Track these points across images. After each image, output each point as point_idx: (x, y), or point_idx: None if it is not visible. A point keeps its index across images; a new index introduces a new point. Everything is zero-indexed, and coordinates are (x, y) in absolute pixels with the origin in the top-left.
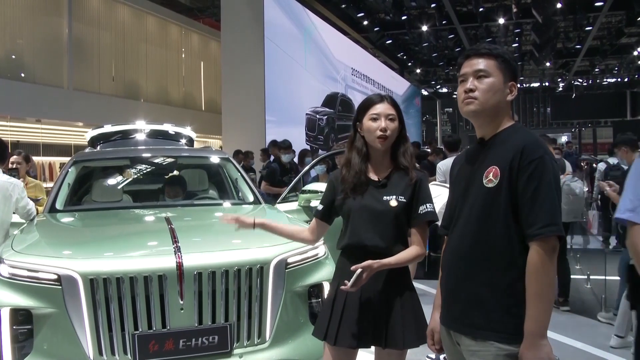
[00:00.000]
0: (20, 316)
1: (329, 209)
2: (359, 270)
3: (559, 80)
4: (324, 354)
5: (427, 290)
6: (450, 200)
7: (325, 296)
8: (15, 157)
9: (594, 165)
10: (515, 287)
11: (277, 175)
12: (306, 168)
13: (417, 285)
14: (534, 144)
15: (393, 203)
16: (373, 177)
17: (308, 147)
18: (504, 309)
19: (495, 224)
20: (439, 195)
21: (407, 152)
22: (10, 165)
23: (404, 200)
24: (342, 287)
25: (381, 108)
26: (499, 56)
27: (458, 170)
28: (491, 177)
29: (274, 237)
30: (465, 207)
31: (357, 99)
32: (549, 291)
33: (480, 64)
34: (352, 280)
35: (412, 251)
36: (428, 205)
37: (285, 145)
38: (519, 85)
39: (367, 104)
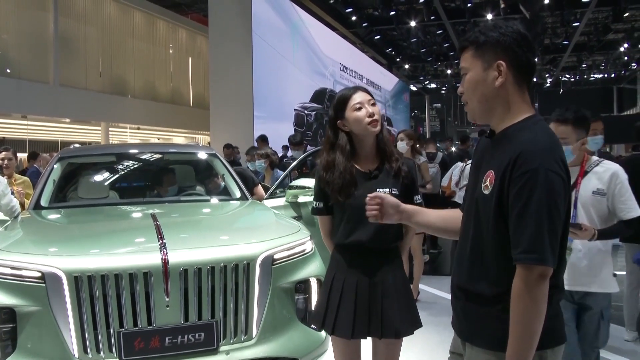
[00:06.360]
0: (4, 314)
1: (328, 203)
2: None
3: (547, 75)
4: (332, 344)
5: (434, 293)
6: (465, 192)
7: (314, 291)
8: (5, 153)
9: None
10: (502, 299)
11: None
12: (294, 164)
13: (422, 287)
14: (532, 150)
15: None
16: (364, 169)
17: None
18: (493, 316)
19: (486, 234)
20: None
21: (388, 140)
22: (0, 162)
23: (397, 192)
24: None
25: (360, 97)
26: (473, 42)
27: (474, 162)
28: (487, 182)
29: (260, 234)
30: (469, 208)
31: None
32: (530, 321)
33: (461, 61)
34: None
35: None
36: (419, 196)
37: (296, 141)
38: None
39: (344, 98)
